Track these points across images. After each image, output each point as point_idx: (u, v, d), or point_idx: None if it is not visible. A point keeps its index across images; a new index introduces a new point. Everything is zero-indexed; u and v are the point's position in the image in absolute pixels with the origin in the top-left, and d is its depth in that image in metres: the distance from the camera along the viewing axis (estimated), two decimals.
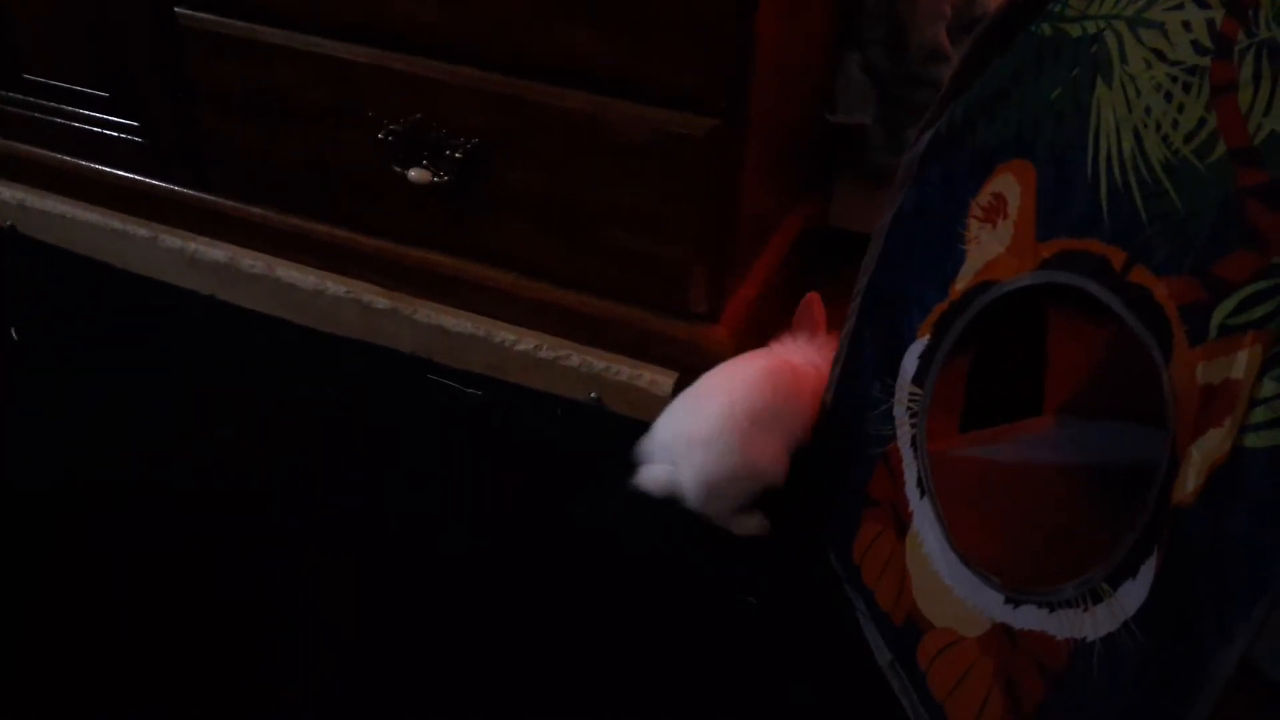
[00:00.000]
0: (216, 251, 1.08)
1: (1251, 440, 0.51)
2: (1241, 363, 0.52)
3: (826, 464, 0.84)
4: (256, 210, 1.05)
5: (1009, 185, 0.68)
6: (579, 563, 0.83)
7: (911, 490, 0.73)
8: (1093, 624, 0.58)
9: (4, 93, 1.11)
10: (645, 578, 0.82)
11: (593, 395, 0.96)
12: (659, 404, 0.93)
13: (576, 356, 0.95)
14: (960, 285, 0.70)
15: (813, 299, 0.87)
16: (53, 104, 1.09)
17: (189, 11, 0.96)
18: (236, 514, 0.86)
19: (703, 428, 0.80)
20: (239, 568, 0.82)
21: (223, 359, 1.03)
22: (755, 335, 1.00)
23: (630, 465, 0.85)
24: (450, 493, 0.88)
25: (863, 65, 1.04)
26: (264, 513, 0.86)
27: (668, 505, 0.83)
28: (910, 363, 0.74)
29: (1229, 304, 0.53)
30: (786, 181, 1.05)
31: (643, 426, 0.86)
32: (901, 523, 0.74)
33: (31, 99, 1.10)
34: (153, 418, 0.95)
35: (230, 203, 1.06)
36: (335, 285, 1.03)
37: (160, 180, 1.09)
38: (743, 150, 0.84)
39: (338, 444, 0.93)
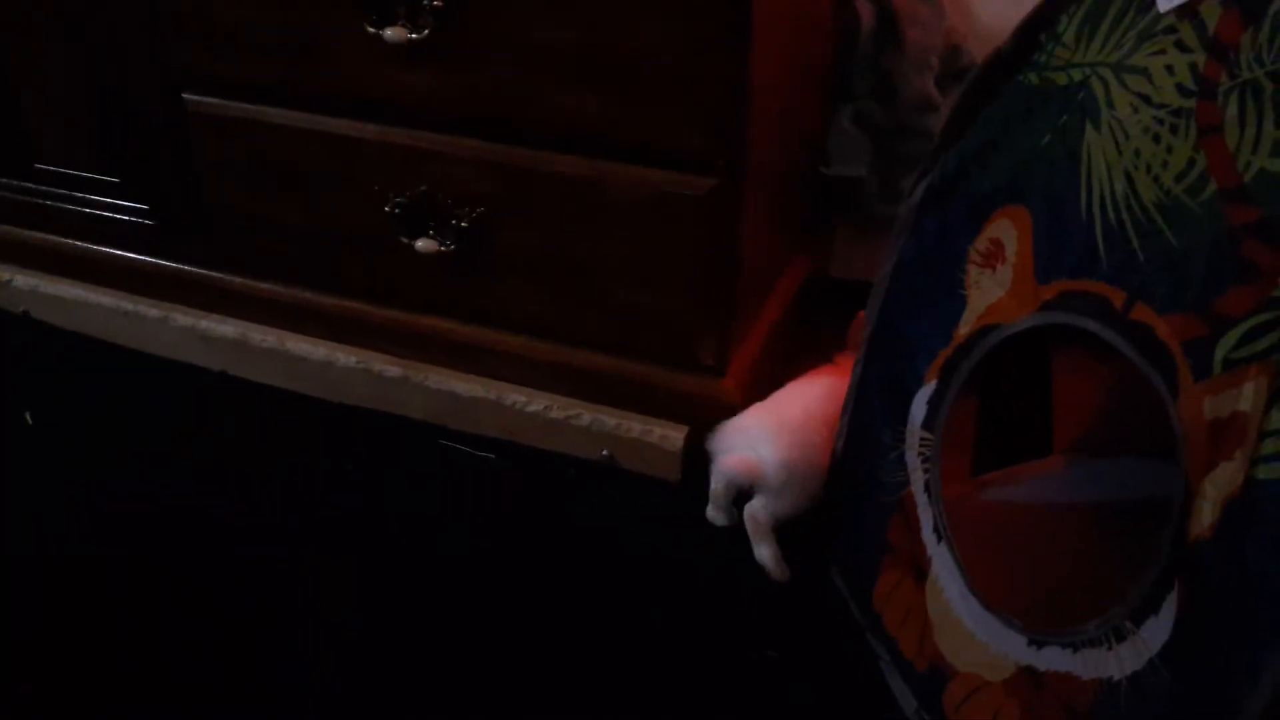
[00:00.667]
0: (227, 328, 1.09)
1: (1264, 472, 0.51)
2: (1248, 395, 0.53)
3: (839, 510, 0.84)
4: (266, 286, 1.07)
5: (1006, 230, 0.69)
6: (599, 622, 0.82)
7: (929, 535, 0.73)
8: (1118, 663, 0.58)
9: (17, 182, 1.13)
10: (666, 631, 0.81)
11: (605, 453, 0.97)
12: (670, 459, 0.94)
13: (587, 415, 0.96)
14: (963, 330, 0.71)
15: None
16: (64, 191, 1.12)
17: (196, 97, 0.99)
18: (255, 586, 0.86)
19: (790, 416, 0.87)
20: (257, 639, 0.82)
21: (236, 434, 1.03)
22: (762, 386, 1.01)
23: (645, 523, 0.85)
24: (465, 556, 0.89)
25: (854, 118, 1.06)
26: (283, 583, 0.87)
27: (684, 557, 0.83)
28: (919, 408, 0.74)
29: (1231, 338, 0.54)
30: (786, 234, 1.07)
31: (656, 482, 0.86)
32: (920, 569, 0.74)
33: (44, 187, 1.12)
34: (169, 494, 0.96)
35: (240, 279, 1.08)
36: (346, 356, 1.04)
37: (170, 260, 1.11)
38: (742, 207, 0.85)
39: (353, 513, 0.93)
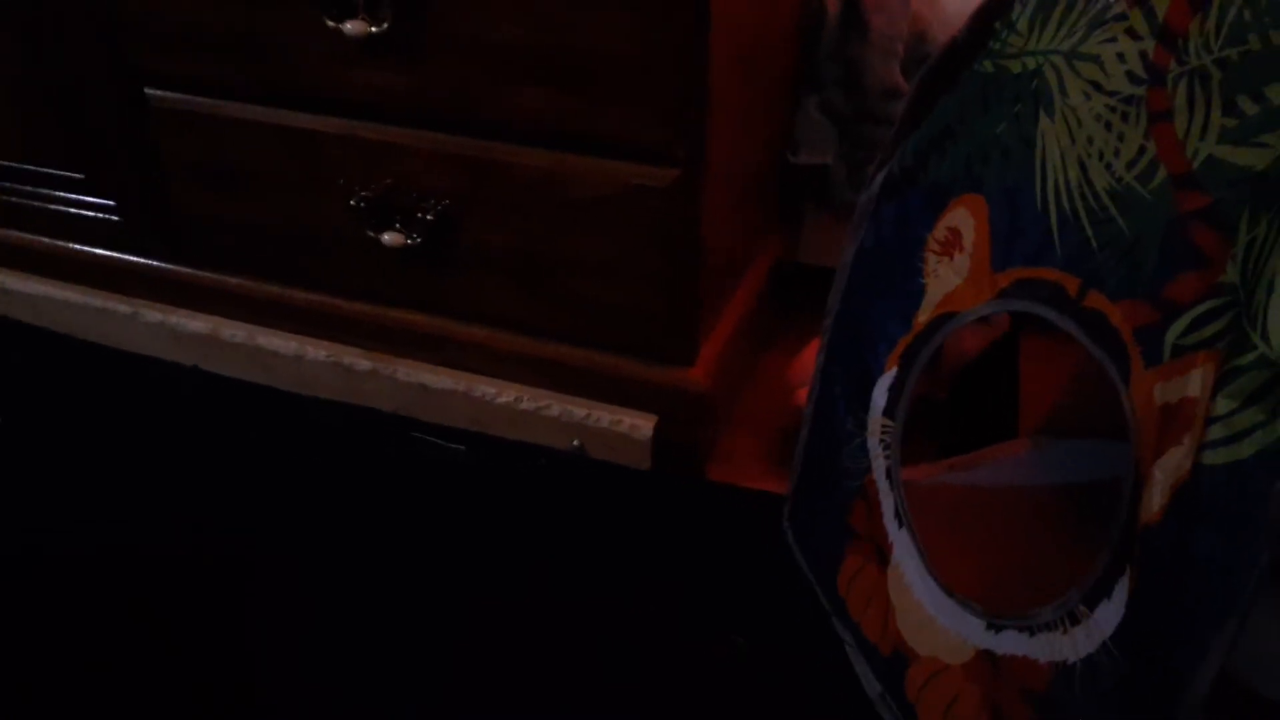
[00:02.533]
0: (197, 323, 1.09)
1: (1209, 457, 0.52)
2: (1196, 381, 0.53)
3: (804, 497, 0.84)
4: (234, 281, 1.07)
5: (963, 219, 0.69)
6: (568, 610, 0.83)
7: (890, 521, 0.74)
8: (1072, 646, 0.59)
9: None
10: (634, 617, 0.82)
11: (575, 443, 0.97)
12: (640, 448, 0.95)
13: (557, 406, 0.97)
14: (923, 317, 0.72)
15: None
16: (28, 187, 1.11)
17: (158, 92, 0.98)
18: (228, 580, 0.87)
19: None
20: (228, 634, 0.82)
21: (208, 427, 1.03)
22: (732, 374, 1.02)
23: (614, 512, 0.86)
24: (435, 546, 0.89)
25: (821, 106, 1.06)
26: (255, 576, 0.87)
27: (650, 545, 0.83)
28: (880, 395, 0.75)
29: (1180, 324, 0.55)
30: (753, 222, 1.07)
31: (625, 471, 0.87)
32: (883, 554, 0.74)
33: (6, 184, 1.12)
34: (142, 487, 0.96)
35: (208, 275, 1.08)
36: (315, 350, 1.04)
37: (138, 256, 1.10)
38: (706, 197, 0.85)
39: (324, 505, 0.94)
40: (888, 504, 0.74)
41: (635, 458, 0.95)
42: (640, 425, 0.94)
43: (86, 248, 1.12)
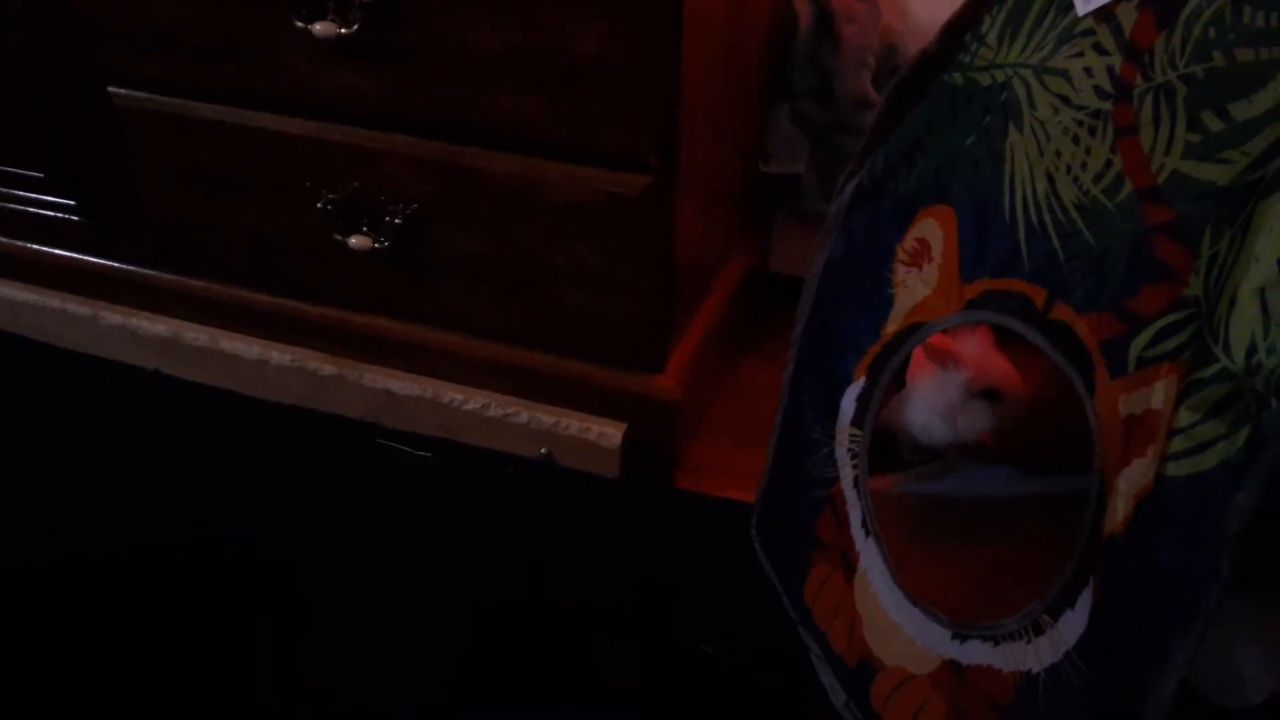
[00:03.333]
0: (159, 326, 1.07)
1: (1172, 469, 0.53)
2: (1160, 393, 0.54)
3: (773, 506, 0.84)
4: (198, 283, 1.05)
5: (932, 230, 0.70)
6: (535, 619, 0.82)
7: (857, 531, 0.74)
8: (1036, 656, 0.59)
9: None
10: (601, 625, 0.82)
11: (544, 451, 0.96)
12: (609, 456, 0.94)
13: (525, 413, 0.96)
14: (891, 328, 0.72)
15: None
16: None
17: (124, 91, 0.96)
18: (190, 586, 0.85)
19: None
20: (190, 640, 0.80)
21: (169, 433, 1.01)
22: (702, 382, 1.02)
23: (583, 520, 0.85)
24: (402, 554, 0.88)
25: (792, 116, 1.07)
26: (219, 583, 0.85)
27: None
28: (848, 405, 0.75)
29: (1144, 337, 0.55)
30: (725, 231, 1.07)
31: (594, 479, 0.86)
32: (850, 564, 0.74)
33: None
34: (101, 492, 0.94)
35: (172, 277, 1.06)
36: (280, 354, 1.03)
37: (100, 258, 1.08)
38: (678, 205, 0.85)
39: (289, 512, 0.92)
40: (855, 513, 0.74)
41: (604, 465, 0.95)
42: (609, 433, 0.94)
43: (47, 248, 1.10)
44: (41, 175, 1.05)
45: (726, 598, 0.84)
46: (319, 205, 0.92)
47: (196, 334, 1.06)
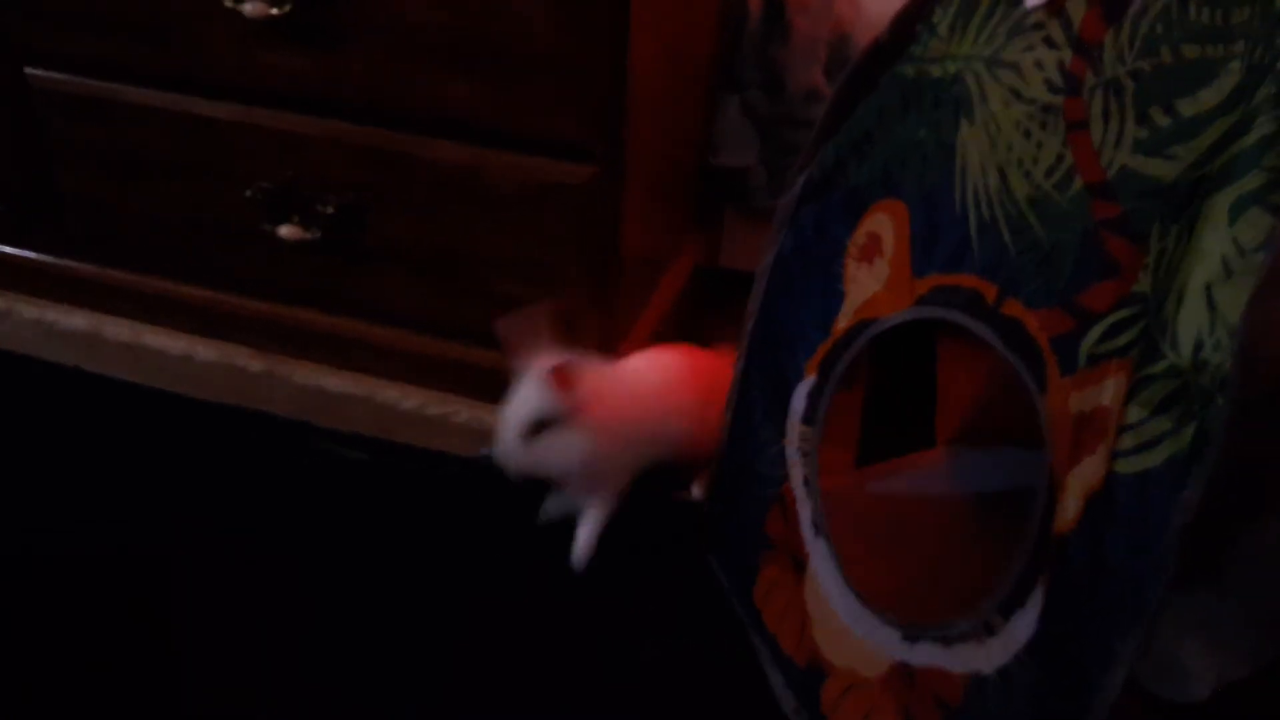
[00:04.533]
0: (77, 320, 1.02)
1: (1122, 466, 0.52)
2: (1109, 390, 0.53)
3: (721, 504, 0.83)
4: (120, 274, 1.00)
5: (883, 224, 0.69)
6: (476, 622, 0.80)
7: (807, 530, 0.72)
8: (987, 657, 0.58)
9: None
10: (544, 627, 0.80)
11: (484, 451, 0.94)
12: None
13: (465, 412, 0.93)
14: (842, 324, 0.71)
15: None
16: None
17: (42, 72, 0.91)
18: (112, 589, 0.82)
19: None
20: (112, 643, 0.77)
21: (90, 433, 0.97)
22: None
23: (524, 520, 0.83)
24: (333, 558, 0.85)
25: (742, 108, 1.05)
26: (141, 587, 0.82)
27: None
28: (799, 402, 0.74)
29: (1095, 333, 0.55)
30: (673, 224, 1.06)
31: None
32: (799, 564, 0.73)
33: None
34: (19, 495, 0.89)
35: (91, 267, 1.01)
36: (206, 350, 0.98)
37: (14, 247, 1.03)
38: (623, 196, 0.83)
39: (215, 514, 0.88)
40: (805, 512, 0.73)
41: None
42: None
43: None
44: None
45: (675, 599, 0.83)
46: (247, 193, 0.88)
47: (118, 328, 1.01)
